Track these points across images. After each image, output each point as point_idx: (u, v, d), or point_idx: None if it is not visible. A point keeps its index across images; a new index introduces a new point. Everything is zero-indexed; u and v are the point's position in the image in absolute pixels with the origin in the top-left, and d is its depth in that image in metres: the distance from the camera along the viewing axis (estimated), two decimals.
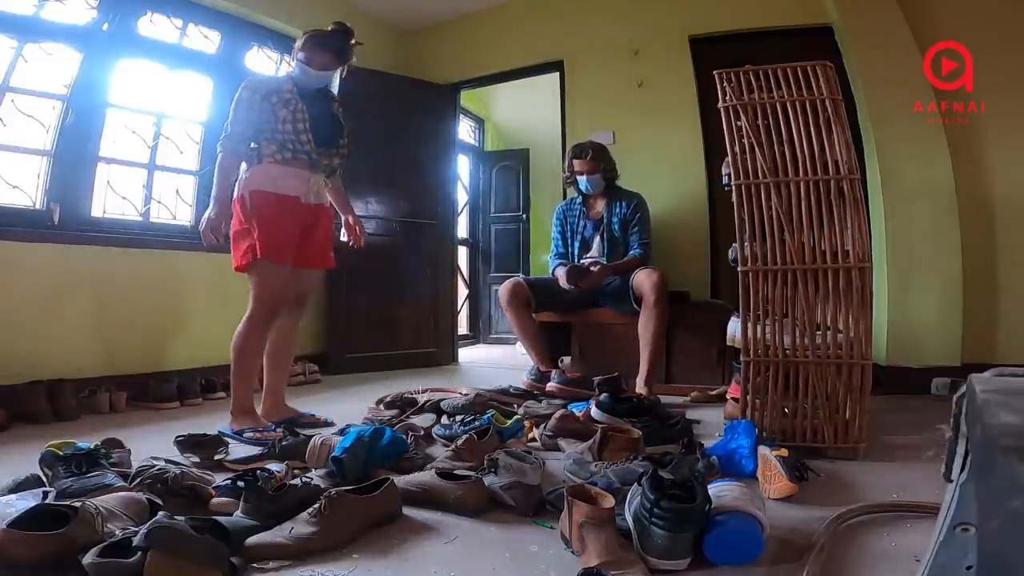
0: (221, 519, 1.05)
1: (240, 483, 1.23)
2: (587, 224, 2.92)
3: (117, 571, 0.86)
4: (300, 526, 1.08)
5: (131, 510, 1.08)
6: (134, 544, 0.87)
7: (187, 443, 1.61)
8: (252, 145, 1.94)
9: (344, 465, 1.37)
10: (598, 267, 2.68)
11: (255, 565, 1.01)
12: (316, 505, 1.11)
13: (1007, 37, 2.59)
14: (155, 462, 1.35)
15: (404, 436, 1.64)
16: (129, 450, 1.58)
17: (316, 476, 1.38)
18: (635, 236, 2.80)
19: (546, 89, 3.90)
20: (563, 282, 2.69)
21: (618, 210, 2.84)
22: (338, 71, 2.11)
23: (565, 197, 3.08)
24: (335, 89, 3.51)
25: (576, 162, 2.86)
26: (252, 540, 1.05)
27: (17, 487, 1.24)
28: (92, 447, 1.36)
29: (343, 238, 2.26)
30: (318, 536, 1.07)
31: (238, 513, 1.15)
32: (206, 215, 1.90)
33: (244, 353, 1.97)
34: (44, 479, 1.30)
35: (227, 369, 2.77)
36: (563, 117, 3.57)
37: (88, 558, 0.87)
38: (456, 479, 1.31)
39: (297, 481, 1.25)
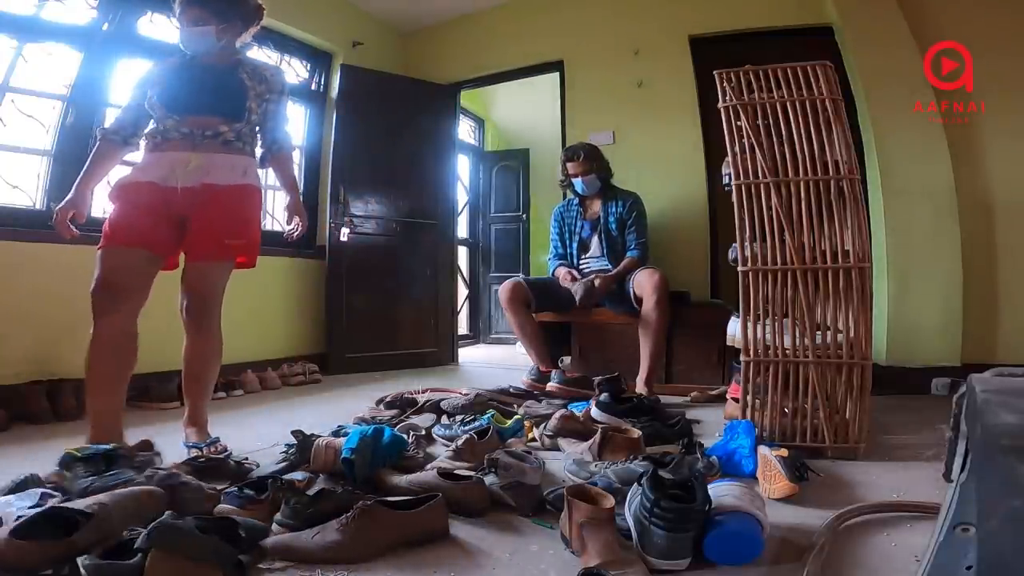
0: (238, 519, 1.04)
1: (248, 491, 1.22)
2: (584, 225, 2.92)
3: (115, 572, 0.85)
4: (327, 533, 1.06)
5: (147, 507, 1.07)
6: (136, 546, 0.87)
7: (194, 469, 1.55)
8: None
9: (354, 465, 1.38)
10: (599, 280, 2.68)
11: (261, 566, 1.01)
12: (347, 515, 1.08)
13: (1007, 37, 2.59)
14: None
15: (404, 435, 1.63)
16: (158, 452, 1.53)
17: (322, 478, 1.38)
18: (632, 236, 2.81)
19: (546, 89, 3.90)
20: (562, 276, 2.74)
21: (614, 209, 2.85)
22: (219, 34, 1.71)
23: (565, 198, 3.08)
24: (339, 84, 3.54)
25: (570, 165, 2.87)
26: (272, 540, 1.05)
27: (16, 487, 1.23)
28: (111, 447, 1.34)
29: (288, 226, 1.92)
30: (340, 546, 1.04)
31: (278, 516, 1.15)
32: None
33: (89, 356, 1.63)
34: (45, 479, 1.29)
35: (227, 370, 2.79)
36: (563, 117, 3.57)
37: (87, 559, 0.86)
38: (457, 479, 1.31)
39: (337, 488, 1.25)
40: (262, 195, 1.84)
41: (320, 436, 1.58)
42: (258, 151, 1.86)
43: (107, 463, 1.28)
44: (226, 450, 1.69)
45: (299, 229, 1.91)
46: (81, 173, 1.70)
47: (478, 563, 1.05)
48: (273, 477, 1.30)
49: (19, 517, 1.05)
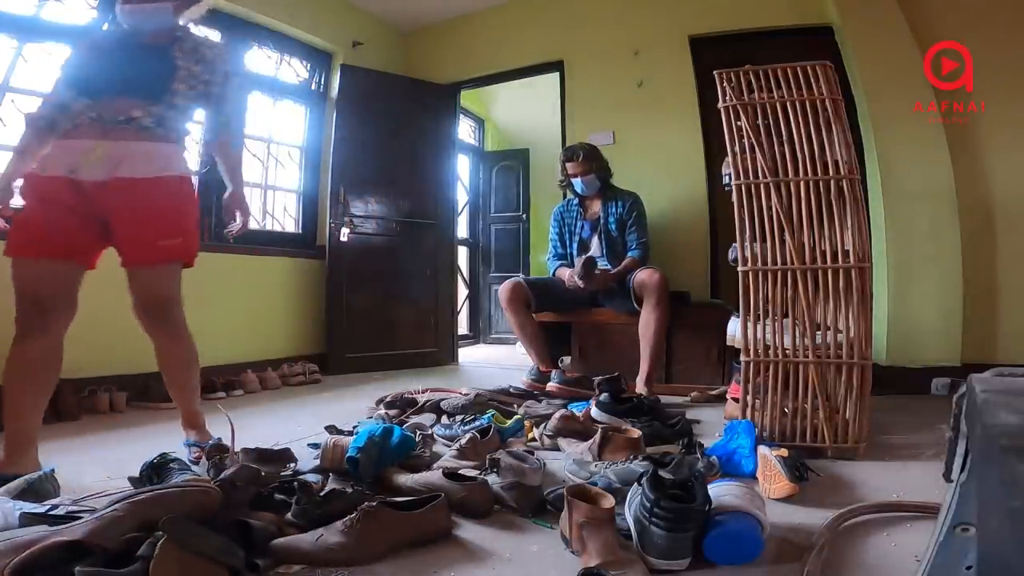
0: (251, 521, 1.04)
1: (277, 495, 1.22)
2: (584, 225, 2.92)
3: None
4: (330, 534, 1.06)
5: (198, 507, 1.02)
6: (138, 553, 0.85)
7: (254, 456, 1.50)
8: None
9: (359, 464, 1.38)
10: (599, 270, 2.68)
11: (279, 570, 1.00)
12: (350, 516, 1.08)
13: (1007, 37, 2.59)
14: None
15: (412, 434, 1.63)
16: (236, 452, 1.48)
17: (332, 477, 1.40)
18: (632, 236, 2.81)
19: (546, 89, 3.90)
20: (567, 277, 2.70)
21: (614, 209, 2.85)
22: (176, 10, 1.58)
23: (565, 198, 3.08)
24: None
25: (569, 165, 2.86)
26: (278, 542, 1.04)
27: (26, 490, 1.20)
28: (158, 457, 1.32)
29: (228, 220, 1.75)
30: (343, 548, 1.04)
31: (288, 515, 1.15)
32: None
33: (7, 377, 1.45)
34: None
35: (224, 369, 2.80)
36: (563, 117, 3.57)
37: (82, 568, 0.83)
38: (462, 480, 1.31)
39: (348, 488, 1.24)
40: (191, 184, 1.64)
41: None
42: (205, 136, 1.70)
43: (159, 471, 1.27)
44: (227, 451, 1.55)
45: (240, 225, 1.73)
46: (7, 163, 1.53)
47: (478, 563, 1.05)
48: (293, 479, 1.31)
49: (23, 514, 1.03)
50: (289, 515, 1.15)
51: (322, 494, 1.17)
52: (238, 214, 1.72)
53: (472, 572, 1.02)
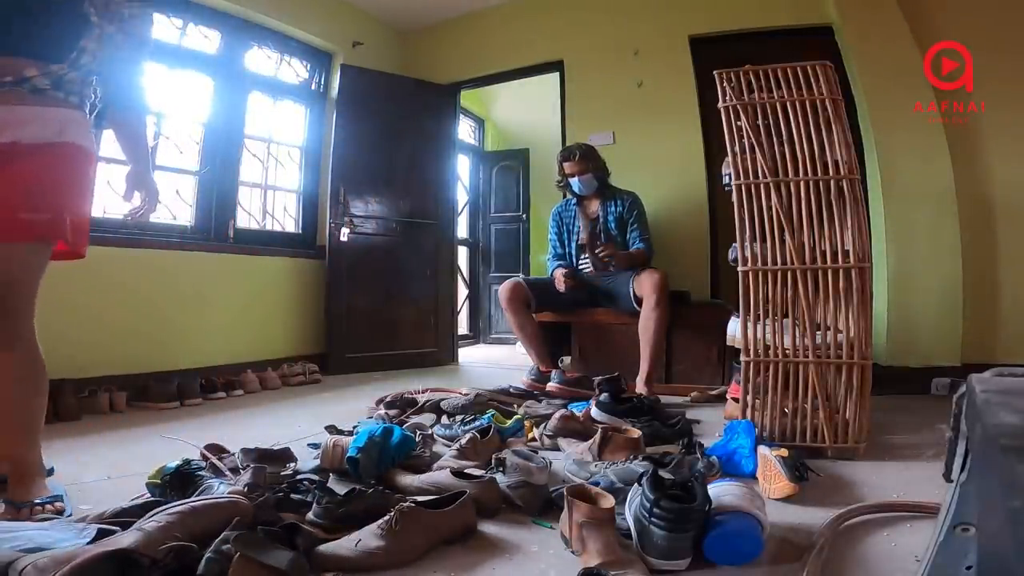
0: (303, 526, 1.03)
1: (293, 495, 1.22)
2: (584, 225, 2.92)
3: None
4: (368, 539, 1.04)
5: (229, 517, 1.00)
6: (200, 572, 0.84)
7: (254, 456, 1.47)
8: None
9: (360, 464, 1.38)
10: (610, 250, 2.68)
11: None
12: (387, 518, 1.05)
13: (1007, 37, 2.59)
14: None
15: (412, 434, 1.64)
16: (233, 453, 1.49)
17: (332, 478, 1.39)
18: (635, 234, 2.81)
19: (546, 89, 3.90)
20: (558, 276, 2.72)
21: (613, 209, 2.85)
22: None
23: (564, 198, 3.08)
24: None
25: (566, 165, 2.87)
26: (319, 549, 1.03)
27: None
28: (180, 463, 1.28)
29: (130, 204, 1.49)
30: (385, 551, 1.02)
31: (310, 515, 1.14)
32: None
33: None
34: None
35: (224, 369, 2.80)
36: (563, 117, 3.57)
37: None
38: (470, 479, 1.30)
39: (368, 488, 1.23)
40: (92, 159, 1.37)
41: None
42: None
43: (182, 482, 1.24)
44: (60, 513, 1.22)
45: (145, 207, 1.50)
46: None
47: (478, 562, 1.05)
48: (305, 478, 1.30)
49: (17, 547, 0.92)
50: (310, 515, 1.14)
51: (343, 494, 1.16)
52: (140, 195, 1.48)
53: (471, 571, 1.02)
